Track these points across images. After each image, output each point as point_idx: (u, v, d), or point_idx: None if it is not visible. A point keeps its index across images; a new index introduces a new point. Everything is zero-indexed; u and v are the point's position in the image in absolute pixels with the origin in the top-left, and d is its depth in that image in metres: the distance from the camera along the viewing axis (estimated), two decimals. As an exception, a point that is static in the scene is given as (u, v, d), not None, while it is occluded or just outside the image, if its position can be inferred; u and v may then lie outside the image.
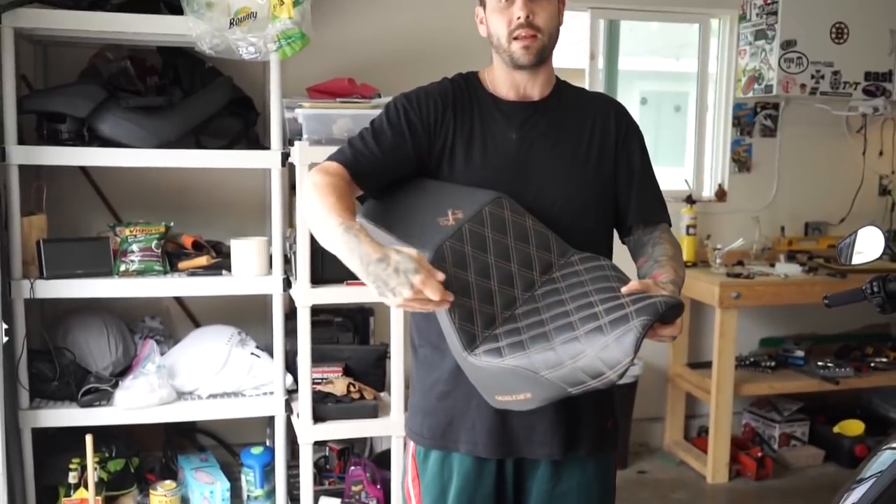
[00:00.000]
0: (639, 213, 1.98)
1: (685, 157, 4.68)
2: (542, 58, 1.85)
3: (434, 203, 1.79)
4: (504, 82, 1.91)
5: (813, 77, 4.22)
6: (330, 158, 1.84)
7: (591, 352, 1.54)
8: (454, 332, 1.63)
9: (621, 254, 2.00)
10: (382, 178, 1.85)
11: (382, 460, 3.51)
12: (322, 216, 1.68)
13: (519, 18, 1.80)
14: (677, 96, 5.22)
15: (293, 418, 3.32)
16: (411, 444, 1.99)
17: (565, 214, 1.85)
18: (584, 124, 1.93)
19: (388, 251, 1.55)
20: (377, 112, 3.00)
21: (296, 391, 3.30)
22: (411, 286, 1.51)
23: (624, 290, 1.64)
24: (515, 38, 1.82)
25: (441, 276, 1.54)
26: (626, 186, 1.96)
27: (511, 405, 1.66)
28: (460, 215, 1.72)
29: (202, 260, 3.30)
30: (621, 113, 2.00)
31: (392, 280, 1.52)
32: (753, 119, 4.52)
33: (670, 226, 2.03)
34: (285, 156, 3.25)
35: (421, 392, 1.96)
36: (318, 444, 3.42)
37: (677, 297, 1.63)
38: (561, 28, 1.91)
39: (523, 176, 1.85)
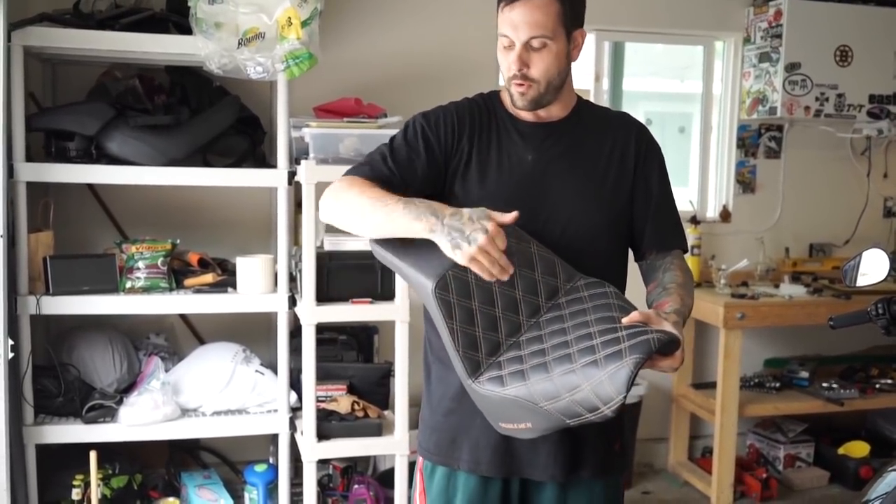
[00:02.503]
0: (654, 239, 1.97)
1: (689, 177, 4.69)
2: (538, 104, 1.86)
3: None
4: None
5: (817, 99, 4.24)
6: (348, 173, 1.86)
7: (587, 386, 1.55)
8: (459, 360, 1.66)
9: (636, 275, 2.01)
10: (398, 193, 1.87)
11: (386, 479, 3.51)
12: (371, 202, 1.75)
13: (512, 70, 1.82)
14: (682, 117, 5.23)
15: (297, 436, 3.32)
16: (420, 459, 2.00)
17: (579, 236, 1.85)
18: (602, 145, 1.92)
19: (460, 207, 1.67)
20: (383, 132, 3.04)
21: (300, 409, 3.30)
22: (486, 231, 1.60)
23: (625, 320, 1.64)
24: (512, 83, 1.84)
25: (514, 215, 1.65)
26: (643, 210, 1.95)
27: (514, 433, 1.69)
28: None
29: (208, 277, 3.32)
30: (642, 134, 1.98)
31: (467, 227, 1.61)
32: (758, 141, 4.53)
33: (686, 251, 2.02)
34: (292, 174, 3.27)
35: (429, 407, 1.98)
36: (322, 463, 3.41)
37: (672, 334, 1.61)
38: (574, 62, 1.90)
39: (538, 197, 1.85)
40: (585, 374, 1.56)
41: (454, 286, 1.68)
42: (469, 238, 1.60)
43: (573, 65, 1.92)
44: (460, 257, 1.62)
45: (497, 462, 1.87)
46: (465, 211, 1.65)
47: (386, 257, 1.81)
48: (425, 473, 1.98)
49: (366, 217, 1.76)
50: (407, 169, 1.85)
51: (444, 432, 1.93)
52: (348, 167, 1.91)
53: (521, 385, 1.61)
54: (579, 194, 1.87)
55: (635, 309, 1.71)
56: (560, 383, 1.58)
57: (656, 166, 1.97)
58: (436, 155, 1.87)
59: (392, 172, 1.84)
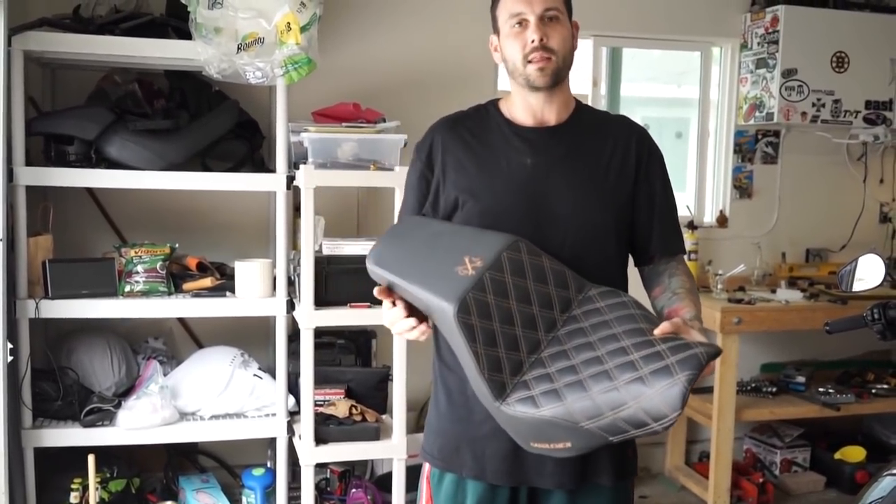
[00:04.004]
0: (661, 244, 1.97)
1: (686, 183, 4.70)
2: (557, 79, 1.86)
3: (449, 250, 1.77)
4: (521, 108, 1.92)
5: (814, 105, 4.25)
6: None
7: (634, 404, 1.52)
8: (483, 384, 1.62)
9: (634, 278, 2.01)
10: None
11: (384, 483, 3.51)
12: None
13: (533, 42, 1.82)
14: (679, 123, 5.24)
15: (295, 440, 3.33)
16: (426, 465, 1.99)
17: (580, 240, 1.84)
18: (602, 148, 1.92)
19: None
20: (381, 136, 3.06)
21: (298, 413, 3.31)
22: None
23: (657, 332, 1.62)
24: (530, 62, 1.84)
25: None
26: (646, 215, 1.95)
27: (549, 452, 1.64)
28: (479, 263, 1.69)
29: (206, 281, 3.32)
30: (643, 138, 1.98)
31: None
32: (754, 146, 4.54)
33: (686, 255, 2.04)
34: (290, 179, 3.28)
35: (436, 412, 1.97)
36: (320, 467, 3.42)
37: (716, 346, 1.60)
38: (575, 52, 1.93)
39: (539, 202, 1.85)
40: (630, 391, 1.53)
41: (475, 308, 1.64)
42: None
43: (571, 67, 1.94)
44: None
45: (504, 470, 1.86)
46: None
47: (389, 279, 1.79)
48: (432, 481, 1.97)
49: None
50: (413, 207, 1.97)
51: (449, 438, 1.92)
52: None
53: (558, 405, 1.57)
54: (580, 198, 1.87)
55: (655, 317, 1.71)
56: (602, 401, 1.54)
57: (659, 171, 1.98)
58: (435, 178, 1.94)
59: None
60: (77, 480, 3.18)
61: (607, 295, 1.77)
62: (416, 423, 3.72)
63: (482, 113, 1.97)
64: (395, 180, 3.11)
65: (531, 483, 1.87)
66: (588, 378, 1.58)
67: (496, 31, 1.92)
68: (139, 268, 3.24)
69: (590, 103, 4.22)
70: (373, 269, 1.82)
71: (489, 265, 1.69)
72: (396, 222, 2.03)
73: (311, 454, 3.20)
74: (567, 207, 1.85)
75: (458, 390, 1.89)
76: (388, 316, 1.78)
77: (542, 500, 1.90)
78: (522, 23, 1.83)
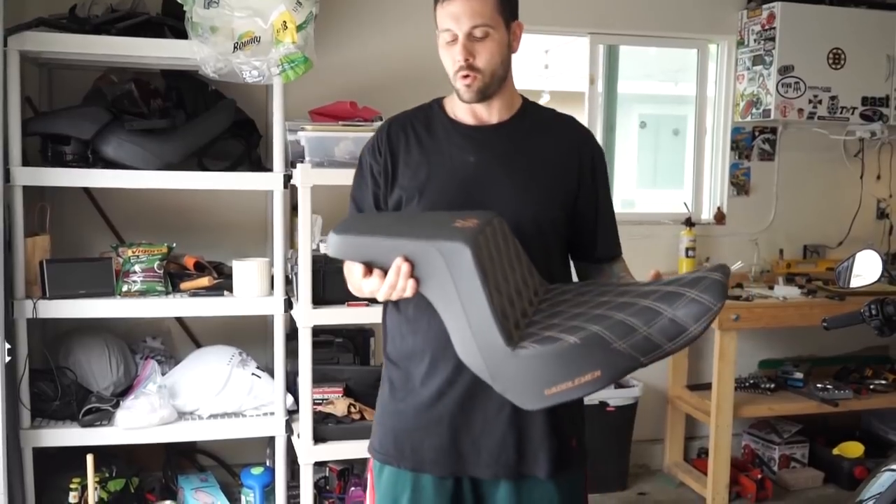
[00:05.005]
0: (604, 248, 2.03)
1: (684, 180, 4.71)
2: (484, 95, 1.88)
3: (434, 217, 1.78)
4: (462, 107, 1.94)
5: (810, 102, 4.25)
6: None
7: (669, 312, 1.50)
8: (496, 327, 1.52)
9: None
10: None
11: (382, 481, 3.51)
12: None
13: (458, 61, 1.83)
14: (676, 120, 5.25)
15: (293, 439, 3.33)
16: (370, 458, 2.03)
17: (521, 236, 1.82)
18: (545, 146, 1.95)
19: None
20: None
21: (296, 412, 3.31)
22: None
23: (650, 277, 1.68)
24: (458, 78, 1.85)
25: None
26: (591, 219, 2.00)
27: (565, 395, 1.52)
28: (475, 221, 1.66)
29: (204, 281, 3.32)
30: (589, 141, 2.03)
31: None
32: (752, 143, 4.55)
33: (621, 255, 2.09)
34: (287, 178, 3.28)
35: (380, 406, 2.02)
36: (319, 465, 3.42)
37: (725, 266, 1.64)
38: (514, 54, 1.92)
39: (481, 198, 1.87)
40: (665, 301, 1.51)
41: (484, 252, 1.58)
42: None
43: (515, 62, 1.94)
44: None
45: (441, 461, 1.88)
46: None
47: (365, 243, 1.66)
48: (375, 471, 2.00)
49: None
50: (371, 209, 1.95)
51: (388, 431, 1.95)
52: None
53: (584, 332, 1.50)
54: (522, 195, 1.89)
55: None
56: (633, 318, 1.50)
57: (603, 176, 2.03)
58: (384, 178, 1.94)
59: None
60: (76, 480, 3.18)
61: (574, 286, 1.79)
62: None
63: (427, 112, 1.99)
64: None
65: (469, 473, 1.89)
66: (608, 310, 1.56)
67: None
68: (137, 267, 3.24)
69: (586, 101, 4.32)
70: (341, 239, 1.67)
71: (483, 225, 1.66)
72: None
73: (310, 453, 3.20)
74: (508, 204, 1.86)
75: (400, 384, 1.94)
76: (370, 283, 1.65)
77: (486, 492, 1.91)
78: (453, 38, 1.83)
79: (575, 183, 1.96)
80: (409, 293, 1.61)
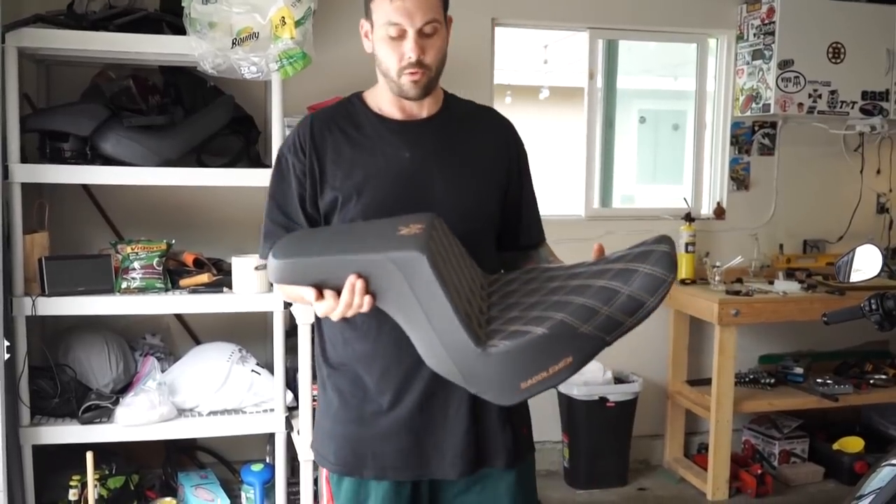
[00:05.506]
0: (528, 235, 2.04)
1: (683, 175, 4.70)
2: (428, 91, 1.86)
3: (375, 227, 1.72)
4: (389, 102, 1.90)
5: (810, 96, 4.25)
6: (263, 257, 1.83)
7: (626, 289, 1.52)
8: (463, 330, 1.51)
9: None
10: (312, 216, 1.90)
11: (382, 478, 3.51)
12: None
13: (410, 58, 1.79)
14: (675, 115, 5.24)
15: (293, 435, 3.33)
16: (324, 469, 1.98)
17: (462, 230, 1.81)
18: (474, 139, 1.95)
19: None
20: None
21: (296, 408, 3.30)
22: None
23: (595, 253, 1.68)
24: (404, 74, 1.81)
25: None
26: (517, 207, 2.00)
27: (540, 386, 1.53)
28: (419, 227, 1.62)
29: (203, 277, 3.32)
30: (512, 131, 2.03)
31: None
32: (751, 138, 4.54)
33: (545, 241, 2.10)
34: (286, 174, 3.27)
35: (328, 417, 1.94)
36: (319, 462, 3.42)
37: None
38: (447, 47, 1.88)
39: (420, 194, 1.84)
40: (617, 282, 1.53)
41: (438, 258, 1.56)
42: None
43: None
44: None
45: (405, 465, 1.86)
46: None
47: (310, 264, 1.61)
48: (332, 482, 1.96)
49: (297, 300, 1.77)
50: (297, 210, 1.87)
51: (344, 443, 1.89)
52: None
53: (549, 321, 1.50)
54: (459, 188, 1.87)
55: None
56: (593, 301, 1.51)
57: (526, 165, 2.04)
58: (310, 178, 1.87)
59: (290, 228, 1.86)
60: (76, 477, 3.18)
61: (514, 276, 1.78)
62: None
63: (349, 107, 1.94)
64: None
65: (433, 475, 1.88)
66: (565, 296, 1.57)
67: (370, 21, 1.85)
68: (136, 264, 3.23)
69: (586, 96, 4.32)
70: (284, 264, 1.61)
71: (430, 227, 1.62)
72: (268, 234, 1.89)
73: (310, 449, 3.19)
74: (448, 197, 1.85)
75: (350, 391, 1.88)
76: (324, 305, 1.60)
77: (442, 491, 1.91)
78: (400, 33, 1.78)
79: (504, 176, 1.96)
80: (365, 308, 1.58)
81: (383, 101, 1.91)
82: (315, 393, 3.28)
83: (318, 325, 1.97)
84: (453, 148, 1.91)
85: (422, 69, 1.80)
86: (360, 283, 1.56)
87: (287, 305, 3.30)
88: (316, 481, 3.42)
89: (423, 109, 1.91)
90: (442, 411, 1.84)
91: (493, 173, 1.94)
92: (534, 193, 2.06)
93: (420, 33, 1.78)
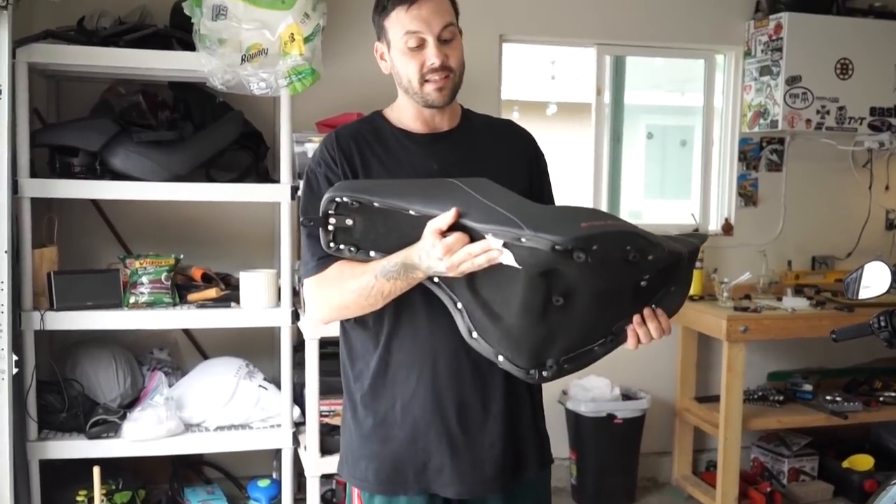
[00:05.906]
0: None
1: (691, 190, 4.70)
2: (453, 96, 1.87)
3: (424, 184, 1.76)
4: (412, 117, 1.91)
5: (818, 112, 4.25)
6: (308, 276, 1.85)
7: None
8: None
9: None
10: None
11: (389, 494, 3.50)
12: (357, 289, 1.74)
13: (433, 64, 1.80)
14: (683, 130, 5.25)
15: (300, 451, 3.32)
16: (355, 490, 1.95)
17: None
18: (497, 150, 1.96)
19: (409, 253, 1.65)
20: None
21: (303, 424, 3.30)
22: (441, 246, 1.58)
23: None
24: (427, 81, 1.82)
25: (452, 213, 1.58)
26: None
27: (599, 230, 1.54)
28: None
29: (211, 292, 3.32)
30: (532, 141, 2.04)
31: (432, 252, 1.60)
32: (759, 154, 4.54)
33: None
34: (294, 189, 3.28)
35: (360, 437, 1.91)
36: (325, 477, 3.41)
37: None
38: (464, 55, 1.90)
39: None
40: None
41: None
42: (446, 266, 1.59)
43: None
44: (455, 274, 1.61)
45: (447, 482, 1.84)
46: (417, 245, 1.63)
47: (382, 209, 1.67)
48: (364, 500, 1.93)
49: (368, 299, 1.74)
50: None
51: (384, 461, 1.87)
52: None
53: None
54: None
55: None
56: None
57: (547, 173, 2.05)
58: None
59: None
60: (82, 492, 3.19)
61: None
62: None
63: (372, 124, 1.95)
64: (400, 190, 3.10)
65: (473, 494, 1.86)
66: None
67: (385, 41, 1.88)
68: (144, 279, 3.24)
69: (593, 112, 4.32)
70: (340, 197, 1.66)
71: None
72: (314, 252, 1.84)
73: (317, 465, 3.19)
74: None
75: (378, 410, 1.87)
76: (449, 242, 1.58)
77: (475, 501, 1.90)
78: (420, 42, 1.81)
79: (528, 185, 1.96)
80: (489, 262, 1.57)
81: (405, 116, 1.92)
82: (327, 408, 3.28)
83: (348, 341, 1.95)
84: (478, 158, 1.92)
85: (446, 72, 1.82)
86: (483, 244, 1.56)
87: (295, 320, 3.30)
88: (323, 497, 3.41)
89: (445, 122, 1.93)
90: (476, 423, 1.84)
91: (518, 183, 1.92)
92: (554, 202, 2.07)
93: (439, 40, 1.81)
